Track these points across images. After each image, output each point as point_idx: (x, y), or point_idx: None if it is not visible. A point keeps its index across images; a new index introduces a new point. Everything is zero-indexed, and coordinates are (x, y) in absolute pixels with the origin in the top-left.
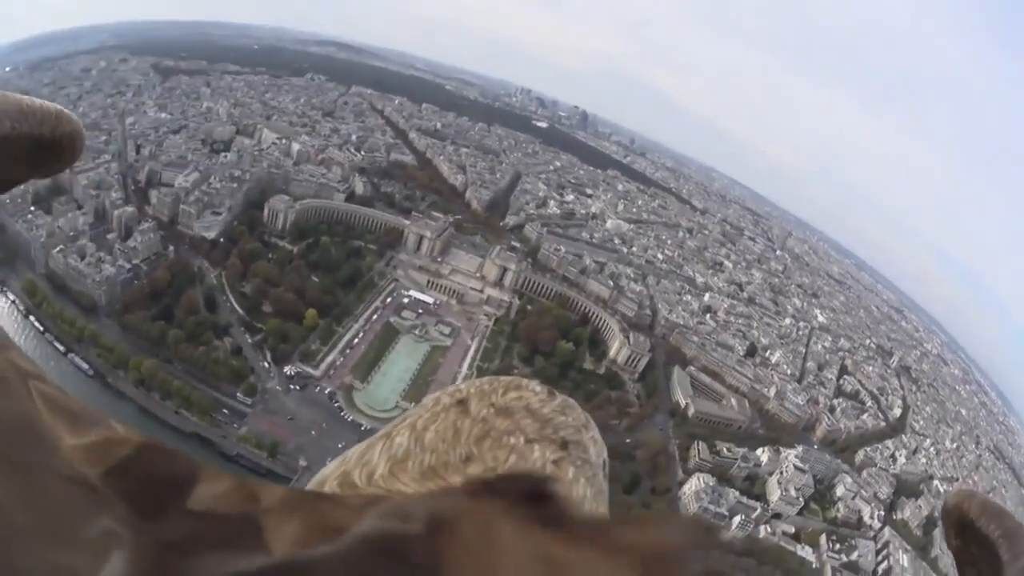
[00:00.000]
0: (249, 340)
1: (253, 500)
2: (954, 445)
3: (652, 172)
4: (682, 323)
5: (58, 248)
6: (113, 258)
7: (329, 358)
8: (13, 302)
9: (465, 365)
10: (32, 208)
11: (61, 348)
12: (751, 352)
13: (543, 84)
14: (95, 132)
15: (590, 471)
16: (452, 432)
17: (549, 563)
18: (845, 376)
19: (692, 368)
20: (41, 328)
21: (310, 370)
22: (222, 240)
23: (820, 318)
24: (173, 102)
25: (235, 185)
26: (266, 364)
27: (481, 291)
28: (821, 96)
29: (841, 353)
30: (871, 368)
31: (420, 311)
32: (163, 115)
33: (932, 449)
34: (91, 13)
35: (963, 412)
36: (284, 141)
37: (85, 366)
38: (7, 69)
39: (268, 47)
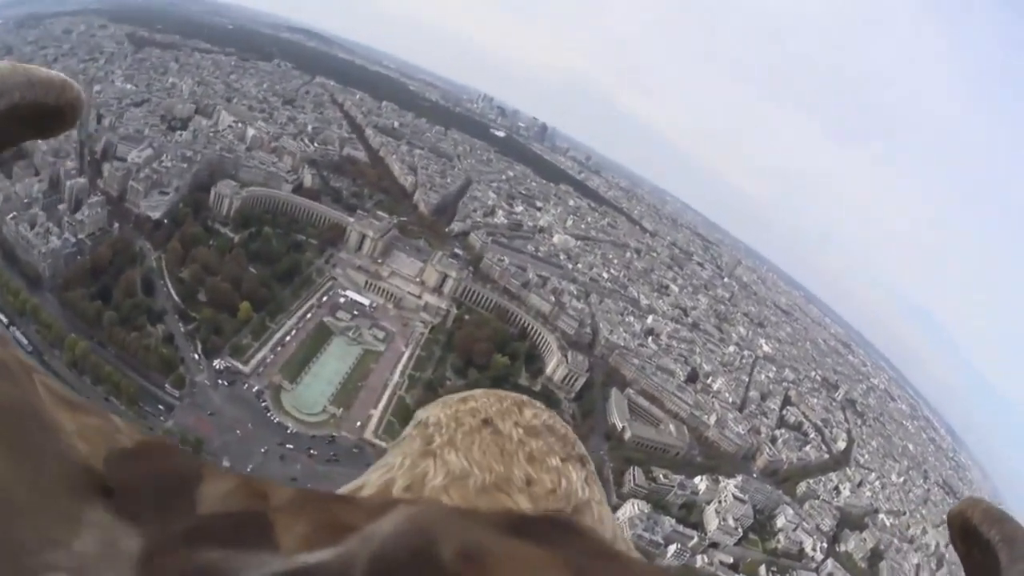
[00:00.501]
0: (182, 329)
1: (262, 498)
2: (901, 479)
3: (605, 190)
4: (623, 344)
5: (12, 215)
6: (60, 230)
7: (260, 355)
8: None
9: (397, 372)
10: None
11: (4, 320)
12: (692, 378)
13: (506, 93)
14: None
15: (600, 481)
16: (500, 452)
17: None
18: (788, 407)
19: (631, 391)
20: None
21: (239, 366)
22: (166, 221)
23: (765, 348)
24: (141, 74)
25: (185, 166)
26: (196, 356)
27: (419, 297)
28: (783, 125)
29: (785, 384)
30: (815, 400)
31: (356, 312)
32: (129, 86)
33: (877, 483)
34: None
35: (910, 447)
36: (240, 125)
37: (25, 341)
38: None
39: (241, 28)
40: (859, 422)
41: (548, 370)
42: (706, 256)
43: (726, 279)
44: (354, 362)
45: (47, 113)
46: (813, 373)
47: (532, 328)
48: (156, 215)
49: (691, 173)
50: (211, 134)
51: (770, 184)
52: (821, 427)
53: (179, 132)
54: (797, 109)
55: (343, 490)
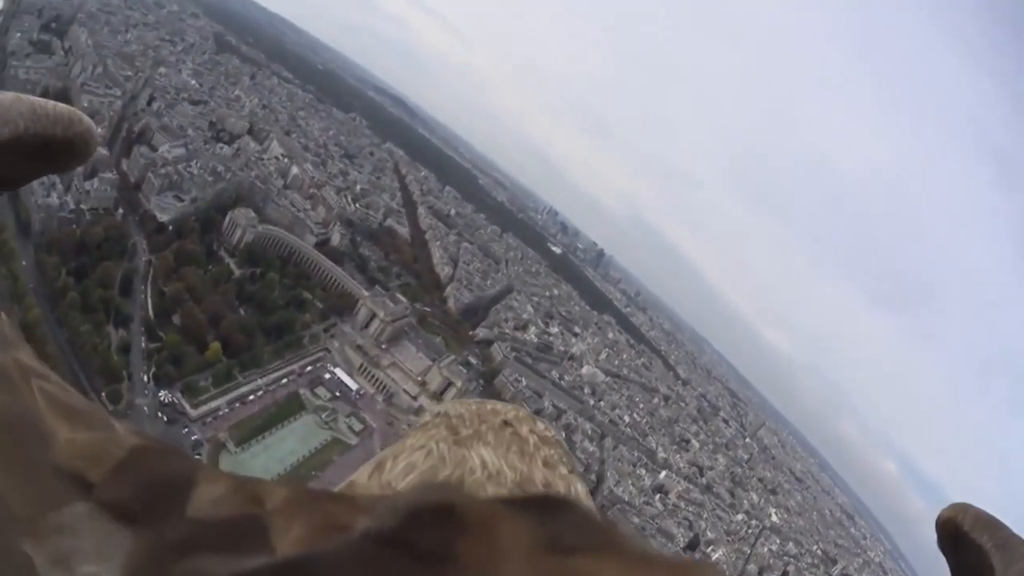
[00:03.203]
0: (143, 344)
1: (256, 501)
2: None
3: (647, 329)
4: (627, 499)
5: None
6: (65, 190)
7: (214, 403)
8: None
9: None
10: None
11: None
12: (692, 545)
13: (573, 211)
14: (124, 64)
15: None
16: (520, 453)
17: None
18: None
19: None
20: None
21: (187, 406)
22: (171, 228)
23: (774, 517)
24: (210, 75)
25: (211, 179)
26: (145, 378)
27: (415, 398)
28: (826, 287)
29: (786, 559)
30: None
31: (337, 394)
32: (193, 82)
33: None
34: None
35: None
36: (287, 160)
37: None
38: None
39: (330, 72)
40: None
41: None
42: (733, 413)
43: (748, 440)
44: (317, 447)
45: (55, 146)
46: (815, 547)
47: None
48: (163, 218)
49: (733, 325)
50: (253, 158)
51: (803, 345)
52: None
53: (221, 145)
54: (841, 273)
55: (366, 468)
